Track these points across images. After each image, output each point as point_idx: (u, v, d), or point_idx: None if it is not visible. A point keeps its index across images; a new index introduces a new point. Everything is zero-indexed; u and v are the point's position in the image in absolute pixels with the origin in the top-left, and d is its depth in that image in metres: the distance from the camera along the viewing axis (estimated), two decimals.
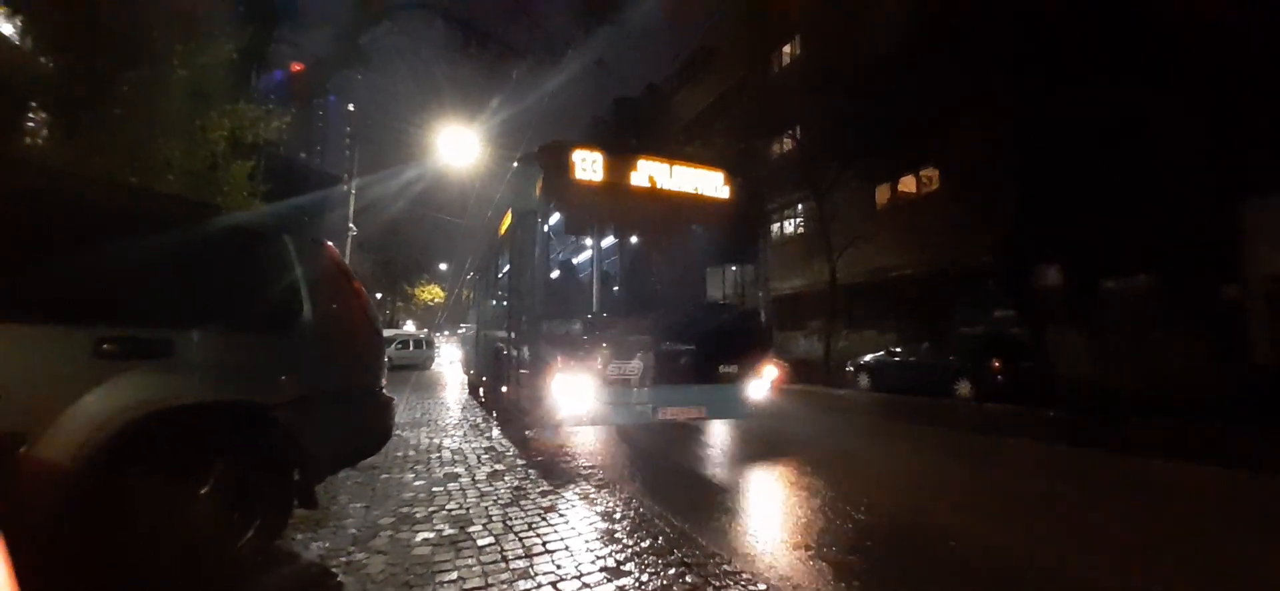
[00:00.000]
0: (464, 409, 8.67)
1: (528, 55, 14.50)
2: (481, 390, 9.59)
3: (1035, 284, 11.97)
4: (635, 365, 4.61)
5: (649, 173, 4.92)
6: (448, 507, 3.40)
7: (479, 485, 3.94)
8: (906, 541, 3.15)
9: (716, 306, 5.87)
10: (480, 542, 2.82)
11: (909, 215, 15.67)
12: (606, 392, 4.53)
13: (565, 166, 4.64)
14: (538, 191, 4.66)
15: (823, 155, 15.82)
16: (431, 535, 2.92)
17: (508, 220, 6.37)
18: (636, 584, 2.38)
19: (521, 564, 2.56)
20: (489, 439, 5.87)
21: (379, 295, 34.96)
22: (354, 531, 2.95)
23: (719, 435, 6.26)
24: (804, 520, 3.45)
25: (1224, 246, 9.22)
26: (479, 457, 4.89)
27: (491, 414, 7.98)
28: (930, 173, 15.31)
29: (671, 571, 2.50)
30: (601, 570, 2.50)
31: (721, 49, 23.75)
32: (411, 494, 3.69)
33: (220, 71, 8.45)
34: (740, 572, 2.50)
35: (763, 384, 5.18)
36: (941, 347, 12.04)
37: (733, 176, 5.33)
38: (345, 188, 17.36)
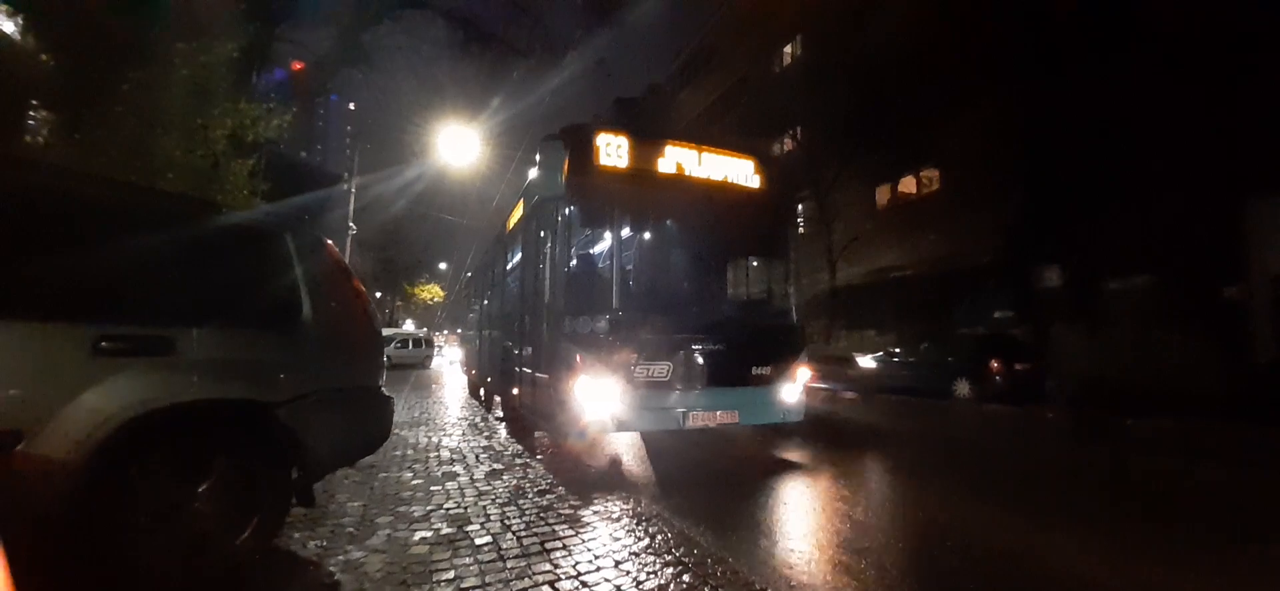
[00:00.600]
0: (463, 409, 8.67)
1: (529, 55, 14.49)
2: (483, 391, 9.43)
3: (1037, 284, 11.95)
4: (665, 367, 4.27)
5: (677, 159, 4.63)
6: (446, 506, 3.40)
7: (477, 484, 3.94)
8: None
9: (746, 303, 5.56)
10: (478, 541, 2.82)
11: (909, 215, 15.66)
12: (634, 396, 4.20)
13: (591, 150, 4.35)
14: (564, 175, 4.34)
15: (823, 155, 15.83)
16: (429, 534, 2.92)
17: (519, 212, 6.10)
18: (634, 583, 2.38)
19: (519, 563, 2.56)
20: (488, 438, 5.87)
21: (379, 294, 34.98)
22: (352, 530, 2.95)
23: (725, 431, 6.24)
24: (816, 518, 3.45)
25: (1228, 246, 9.20)
26: (477, 456, 4.89)
27: (492, 415, 7.98)
28: (931, 173, 15.31)
29: (669, 571, 2.50)
30: (598, 570, 2.50)
31: (723, 48, 23.75)
32: (409, 493, 3.69)
33: (221, 70, 8.45)
34: (747, 579, 2.50)
35: (796, 387, 4.88)
36: (942, 348, 12.02)
37: (764, 165, 5.04)
38: (346, 186, 17.37)
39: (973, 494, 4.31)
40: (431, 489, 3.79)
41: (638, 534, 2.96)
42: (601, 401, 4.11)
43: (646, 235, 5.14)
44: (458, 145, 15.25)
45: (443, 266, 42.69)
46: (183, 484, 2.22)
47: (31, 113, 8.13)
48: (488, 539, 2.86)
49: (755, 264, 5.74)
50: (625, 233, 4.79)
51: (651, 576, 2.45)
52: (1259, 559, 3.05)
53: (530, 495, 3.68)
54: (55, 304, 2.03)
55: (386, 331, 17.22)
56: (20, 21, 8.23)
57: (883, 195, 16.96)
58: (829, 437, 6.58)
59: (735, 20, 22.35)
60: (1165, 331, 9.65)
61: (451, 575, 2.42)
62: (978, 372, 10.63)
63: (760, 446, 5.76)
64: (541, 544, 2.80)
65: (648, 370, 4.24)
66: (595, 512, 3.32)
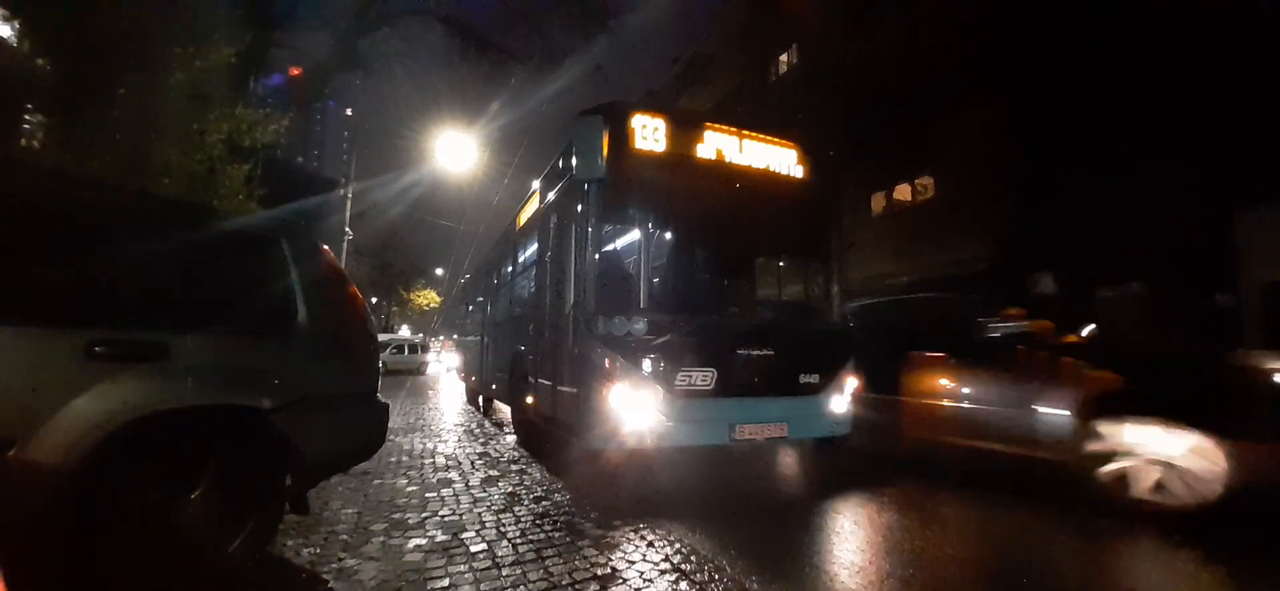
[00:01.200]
0: (459, 416, 8.64)
1: (526, 61, 14.55)
2: (481, 399, 9.28)
3: (1032, 291, 12.03)
4: (708, 374, 3.84)
5: (718, 144, 4.26)
6: (441, 514, 3.38)
7: (473, 491, 3.93)
8: None
9: (792, 304, 5.11)
10: (473, 549, 2.81)
11: (905, 223, 15.75)
12: (675, 408, 3.74)
13: (629, 130, 3.97)
14: (604, 154, 3.88)
15: (820, 162, 15.89)
16: (424, 541, 2.90)
17: (533, 205, 5.75)
18: None
19: (514, 571, 2.54)
20: (484, 444, 5.85)
21: (374, 299, 34.88)
22: (346, 537, 2.93)
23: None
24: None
25: (1219, 254, 9.28)
26: (473, 463, 4.87)
27: (490, 420, 7.96)
28: (926, 181, 15.40)
29: (668, 579, 2.49)
30: (594, 579, 2.49)
31: (719, 56, 23.89)
32: (404, 499, 3.67)
33: (218, 75, 8.45)
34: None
35: (846, 397, 4.44)
36: None
37: (808, 154, 4.67)
38: (342, 192, 17.35)
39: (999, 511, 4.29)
40: (427, 496, 3.78)
41: (633, 540, 2.95)
42: (639, 413, 3.67)
43: (685, 227, 4.53)
44: (455, 151, 15.27)
45: (439, 272, 42.60)
46: (175, 490, 2.20)
47: (26, 116, 8.10)
48: (483, 546, 2.85)
49: (799, 261, 5.18)
50: (663, 224, 4.28)
51: (647, 585, 2.44)
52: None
53: (526, 502, 3.66)
54: (47, 308, 2.02)
55: (382, 337, 17.14)
56: (17, 25, 8.22)
57: (878, 203, 17.05)
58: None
59: (732, 28, 22.51)
60: (1158, 338, 9.70)
61: (446, 583, 2.41)
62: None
63: (765, 452, 5.74)
64: (537, 552, 2.78)
65: (690, 378, 3.80)
66: (590, 520, 3.31)
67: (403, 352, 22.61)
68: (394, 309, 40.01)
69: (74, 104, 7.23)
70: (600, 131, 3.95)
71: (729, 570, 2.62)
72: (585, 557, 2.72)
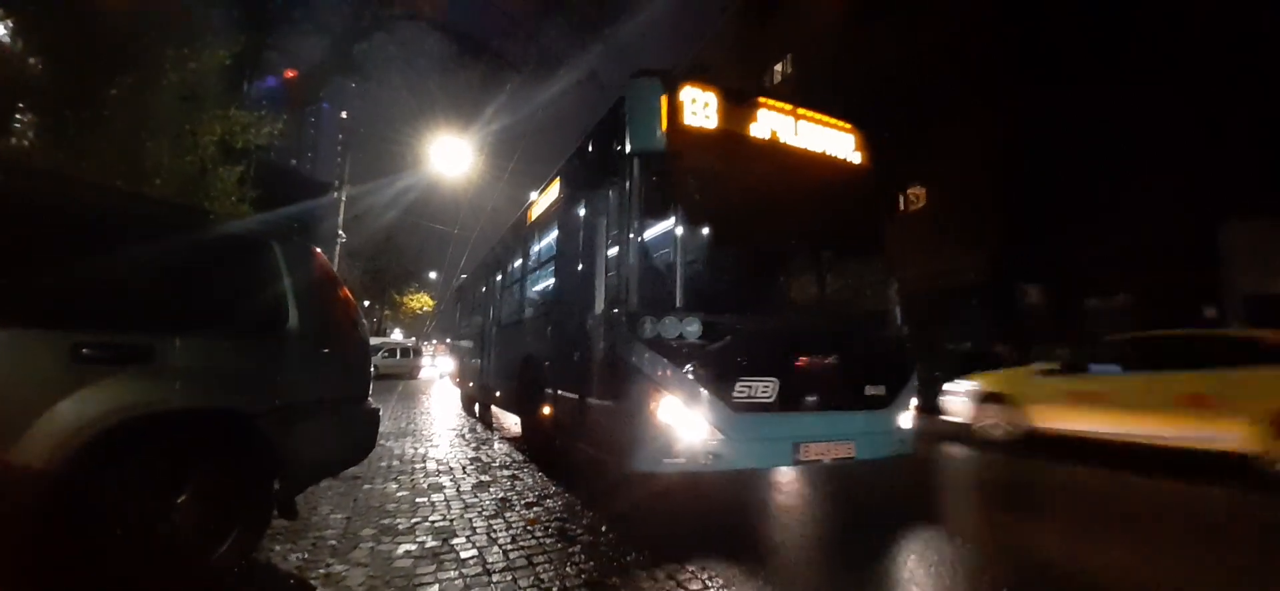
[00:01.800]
0: (451, 421, 8.60)
1: (522, 68, 14.60)
2: (479, 406, 8.91)
3: (1021, 302, 12.14)
4: (770, 385, 3.35)
5: (778, 124, 3.86)
6: (431, 519, 3.36)
7: (464, 496, 3.91)
8: None
9: (852, 306, 4.64)
10: (463, 555, 2.79)
11: (897, 232, 15.86)
12: (732, 423, 3.26)
13: (687, 100, 3.54)
14: (663, 123, 3.43)
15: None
16: (413, 547, 2.89)
17: (551, 195, 5.26)
18: None
19: (504, 578, 2.53)
20: (475, 450, 5.83)
21: (367, 303, 34.69)
22: (334, 542, 2.91)
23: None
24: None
25: (1204, 266, 9.42)
26: (464, 468, 4.85)
27: (484, 428, 7.92)
28: (918, 191, 15.54)
29: (656, 585, 2.49)
30: (586, 584, 2.49)
31: (715, 65, 24.04)
32: (394, 505, 3.65)
33: (212, 76, 8.43)
34: None
35: (910, 410, 3.98)
36: (929, 363, 12.15)
37: (866, 140, 4.30)
38: (336, 195, 17.29)
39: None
40: (417, 501, 3.75)
41: (626, 547, 2.94)
42: (692, 430, 3.18)
43: (743, 215, 3.97)
44: (449, 155, 15.27)
45: (433, 276, 42.46)
46: (161, 494, 2.18)
47: (17, 115, 8.04)
48: (473, 552, 2.83)
49: (860, 257, 4.66)
50: (720, 210, 3.73)
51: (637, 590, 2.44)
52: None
53: (517, 508, 3.65)
54: (34, 309, 2.00)
55: (374, 341, 17.03)
56: (10, 24, 8.17)
57: None
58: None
59: (728, 37, 22.69)
60: None
61: (436, 589, 2.39)
62: None
63: None
64: (528, 558, 2.78)
65: (750, 389, 3.30)
66: (583, 526, 3.30)
67: (395, 356, 22.49)
68: (387, 312, 39.80)
69: (66, 104, 7.19)
70: (658, 96, 3.49)
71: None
72: (576, 564, 2.71)
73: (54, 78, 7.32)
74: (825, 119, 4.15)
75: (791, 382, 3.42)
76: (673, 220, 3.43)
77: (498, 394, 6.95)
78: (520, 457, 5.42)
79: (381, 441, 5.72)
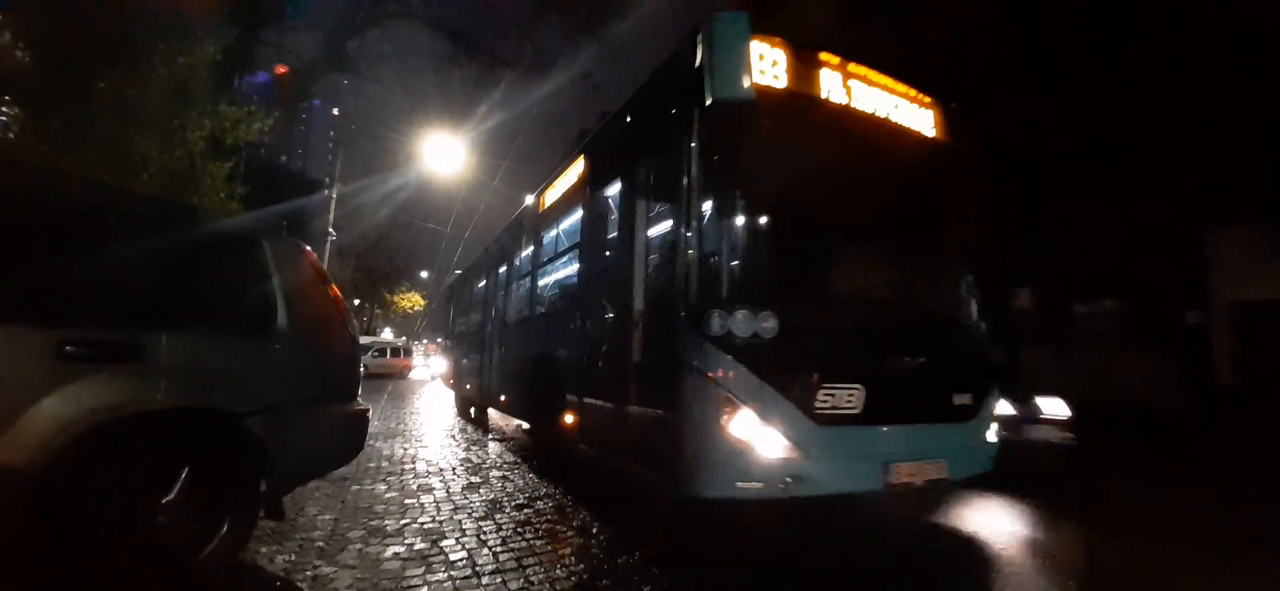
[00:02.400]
0: (443, 422, 8.55)
1: (515, 67, 14.56)
2: (475, 410, 8.58)
3: (1009, 306, 12.26)
4: (856, 393, 2.83)
5: (857, 89, 3.34)
6: (420, 521, 3.34)
7: (454, 498, 3.89)
8: None
9: (934, 299, 3.94)
10: (452, 557, 2.78)
11: None
12: (815, 438, 2.73)
13: (771, 50, 3.03)
14: (747, 76, 2.91)
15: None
16: (402, 549, 2.87)
17: (575, 174, 4.66)
18: None
19: (494, 580, 2.52)
20: (465, 451, 5.80)
21: (357, 301, 34.45)
22: (321, 544, 2.89)
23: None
24: None
25: (1190, 273, 9.56)
26: (454, 469, 4.82)
27: (476, 430, 7.88)
28: None
29: (646, 587, 2.49)
30: (576, 585, 2.48)
31: None
32: (383, 506, 3.63)
33: (202, 71, 8.33)
34: None
35: (994, 420, 3.49)
36: None
37: (949, 114, 3.81)
38: (327, 192, 17.16)
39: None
40: (406, 502, 3.73)
41: (615, 550, 2.94)
42: (770, 446, 2.66)
43: (822, 194, 3.36)
44: (443, 154, 15.19)
45: (424, 275, 42.23)
46: (146, 494, 2.15)
47: (3, 108, 7.91)
48: (463, 554, 2.82)
49: (942, 245, 3.98)
50: (796, 187, 3.09)
51: None
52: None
53: (507, 509, 3.64)
54: (17, 306, 1.97)
55: (363, 340, 16.91)
56: None
57: None
58: None
59: None
60: (1130, 354, 9.95)
61: None
62: None
63: None
64: (517, 560, 2.77)
65: (834, 397, 2.79)
66: (573, 528, 3.30)
67: (385, 356, 22.34)
68: (377, 311, 39.53)
69: (51, 96, 7.08)
70: (746, 39, 2.96)
71: None
72: (566, 566, 2.71)
73: (39, 70, 7.21)
74: (917, 93, 3.62)
75: (879, 390, 2.88)
76: (748, 195, 2.83)
77: (502, 398, 6.37)
78: (511, 459, 5.40)
79: (370, 442, 5.69)
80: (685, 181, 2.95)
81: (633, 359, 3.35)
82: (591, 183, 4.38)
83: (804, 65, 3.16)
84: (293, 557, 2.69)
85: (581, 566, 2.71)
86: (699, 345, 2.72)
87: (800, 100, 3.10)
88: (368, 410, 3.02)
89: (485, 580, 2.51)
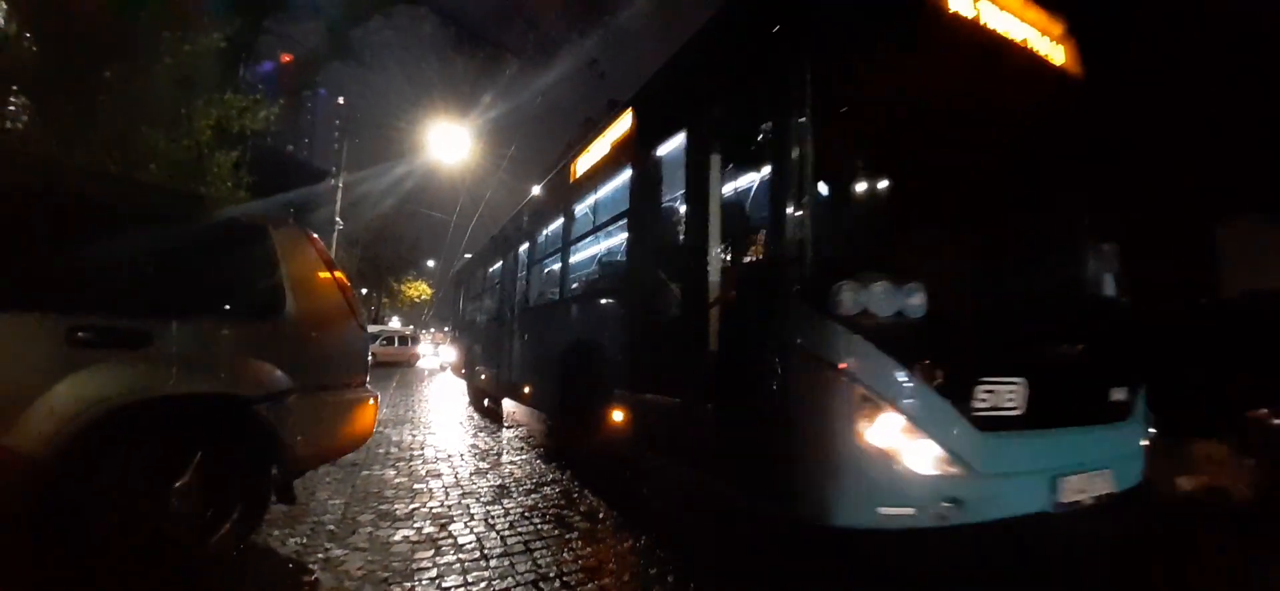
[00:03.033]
0: (450, 409, 8.61)
1: (521, 54, 14.48)
2: (489, 400, 8.28)
3: None
4: (1017, 388, 2.25)
5: (1001, 18, 2.71)
6: (429, 505, 3.38)
7: (462, 483, 3.92)
8: None
9: (1082, 277, 3.11)
10: (461, 540, 2.81)
11: None
12: (977, 447, 2.14)
13: None
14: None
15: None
16: (412, 533, 2.90)
17: (621, 129, 4.02)
18: (617, 584, 2.38)
19: (502, 563, 2.55)
20: (474, 437, 5.84)
21: (365, 290, 34.66)
22: (332, 528, 2.93)
23: None
24: None
25: (1200, 264, 9.45)
26: (462, 455, 4.86)
27: (487, 419, 7.92)
28: None
29: (653, 571, 2.51)
30: (582, 569, 2.50)
31: None
32: (392, 491, 3.67)
33: (207, 60, 8.33)
34: None
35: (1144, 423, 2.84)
36: None
37: (1076, 47, 3.13)
38: (333, 181, 17.20)
39: None
40: (415, 487, 3.77)
41: (622, 534, 2.96)
42: (923, 459, 2.07)
43: (966, 140, 2.64)
44: (448, 142, 15.17)
45: (430, 264, 42.38)
46: (157, 479, 2.18)
47: (11, 99, 7.95)
48: (471, 538, 2.85)
49: (1085, 205, 3.21)
50: (936, 129, 2.50)
51: (635, 577, 2.46)
52: None
53: (515, 495, 3.67)
54: (29, 293, 1.99)
55: (371, 328, 17.01)
56: (5, 6, 8.06)
57: None
58: None
59: None
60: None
61: (433, 574, 2.41)
62: None
63: None
64: (526, 544, 2.79)
65: (992, 395, 2.21)
66: (581, 513, 3.32)
67: (393, 344, 22.47)
68: (385, 300, 39.76)
69: (59, 88, 7.11)
70: None
71: None
72: (573, 550, 2.73)
73: (46, 59, 7.23)
74: (1055, 23, 3.00)
75: (1042, 385, 2.30)
76: (881, 137, 2.30)
77: (525, 391, 5.75)
78: (519, 445, 5.44)
79: (379, 428, 5.74)
80: (792, 121, 2.30)
81: (710, 345, 2.72)
82: (643, 139, 3.69)
83: None
84: (304, 541, 2.73)
85: (588, 551, 2.73)
86: (821, 326, 2.11)
87: (952, 19, 2.52)
88: (376, 396, 3.04)
89: (493, 563, 2.54)
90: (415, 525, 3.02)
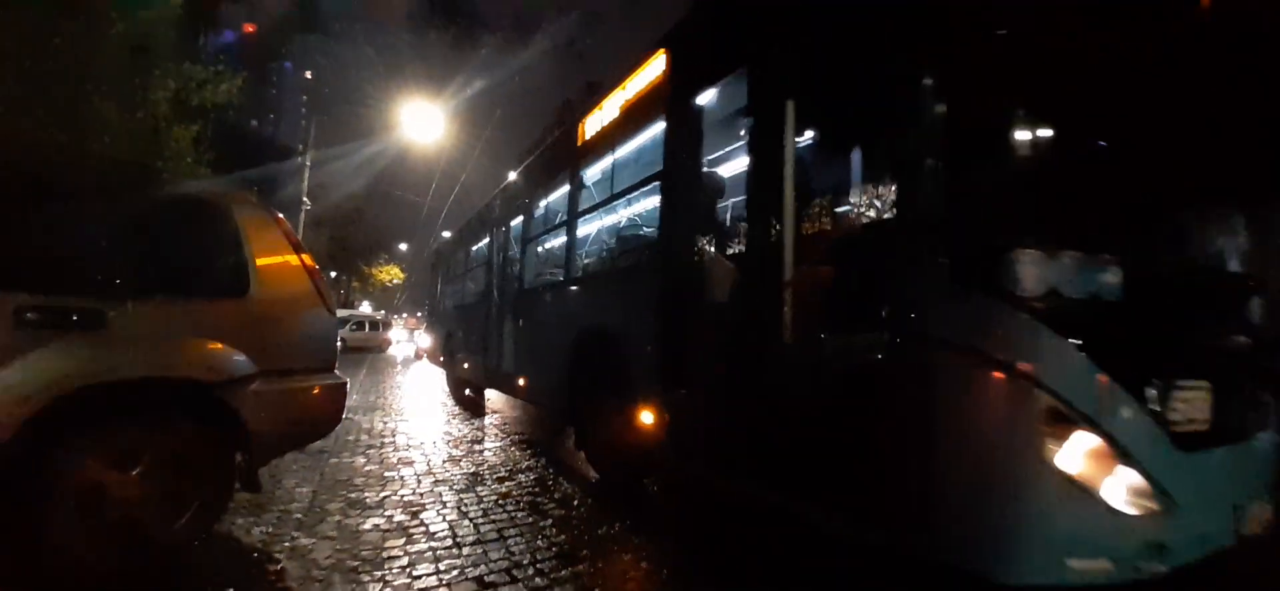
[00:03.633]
0: (422, 396, 8.49)
1: (496, 29, 14.17)
2: (470, 390, 7.58)
3: None
4: (1201, 395, 1.81)
5: None
6: (401, 493, 3.33)
7: (434, 471, 3.88)
8: None
9: (1232, 250, 2.46)
10: (433, 528, 2.78)
11: None
12: (1176, 470, 1.70)
13: None
14: None
15: None
16: (382, 521, 2.86)
17: (650, 76, 3.42)
18: (592, 570, 2.40)
19: (474, 551, 2.54)
20: (446, 424, 5.78)
21: (334, 274, 33.77)
22: (300, 516, 2.86)
23: None
24: None
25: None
26: (435, 443, 4.81)
27: (459, 405, 7.82)
28: None
29: (627, 556, 2.53)
30: (557, 556, 2.51)
31: None
32: (362, 478, 3.60)
33: (164, 27, 7.93)
34: None
35: None
36: None
37: None
38: (300, 159, 16.65)
39: None
40: (386, 475, 3.71)
41: (597, 521, 2.97)
42: (1119, 489, 1.62)
43: (1137, 76, 1.97)
44: (420, 122, 14.80)
45: (403, 247, 41.48)
46: (115, 466, 2.10)
47: None
48: (443, 526, 2.82)
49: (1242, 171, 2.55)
50: (1099, 60, 1.87)
51: (611, 560, 2.47)
52: None
53: (489, 482, 3.64)
54: None
55: (341, 313, 16.58)
56: None
57: None
58: None
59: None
60: None
61: (405, 562, 2.38)
62: None
63: None
64: (499, 531, 2.78)
65: (1187, 403, 1.76)
66: (554, 500, 3.32)
67: (363, 329, 22.00)
68: (355, 284, 38.80)
69: (3, 53, 6.68)
70: None
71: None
72: (547, 537, 2.73)
73: None
74: None
75: (1225, 389, 1.87)
76: (1051, 66, 1.76)
77: (521, 383, 5.13)
78: (494, 433, 5.40)
79: (349, 415, 5.61)
80: (930, 49, 1.79)
81: (785, 334, 2.27)
82: (682, 84, 3.12)
83: None
84: (270, 529, 2.67)
85: (562, 537, 2.74)
86: (989, 312, 1.63)
87: None
88: (345, 382, 2.97)
89: (466, 550, 2.52)
90: (386, 513, 2.97)
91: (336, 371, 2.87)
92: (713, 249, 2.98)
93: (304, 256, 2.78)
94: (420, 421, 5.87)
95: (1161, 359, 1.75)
